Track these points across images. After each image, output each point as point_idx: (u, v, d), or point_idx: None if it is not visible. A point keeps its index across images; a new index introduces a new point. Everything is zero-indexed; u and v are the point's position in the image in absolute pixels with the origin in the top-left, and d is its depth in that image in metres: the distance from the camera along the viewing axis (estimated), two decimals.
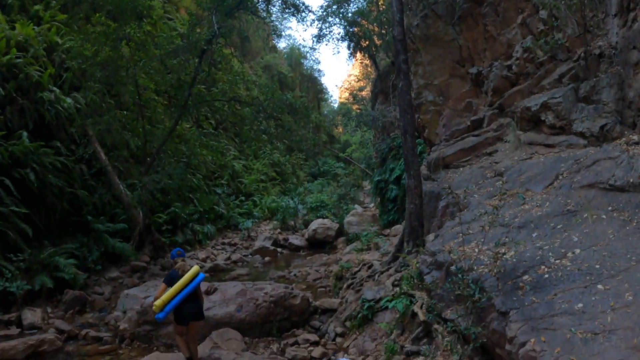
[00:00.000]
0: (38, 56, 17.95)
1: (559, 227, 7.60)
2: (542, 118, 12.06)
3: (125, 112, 19.73)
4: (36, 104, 16.69)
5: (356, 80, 64.74)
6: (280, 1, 20.53)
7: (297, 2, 20.71)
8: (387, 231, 18.03)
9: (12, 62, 16.13)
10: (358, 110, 46.89)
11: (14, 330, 11.34)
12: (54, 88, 17.84)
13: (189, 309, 7.70)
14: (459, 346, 6.96)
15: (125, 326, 10.76)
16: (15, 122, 15.84)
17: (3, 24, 17.03)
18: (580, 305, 5.60)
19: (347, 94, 77.09)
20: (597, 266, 6.15)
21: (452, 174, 13.77)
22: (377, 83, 30.28)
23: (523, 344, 5.53)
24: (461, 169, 13.85)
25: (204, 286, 10.94)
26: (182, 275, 7.73)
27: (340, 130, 70.42)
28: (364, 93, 58.22)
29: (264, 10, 21.21)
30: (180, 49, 18.22)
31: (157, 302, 7.40)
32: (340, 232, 23.28)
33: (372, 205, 26.16)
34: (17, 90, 16.13)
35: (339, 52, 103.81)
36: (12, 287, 12.13)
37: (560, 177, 9.56)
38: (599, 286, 5.78)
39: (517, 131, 12.87)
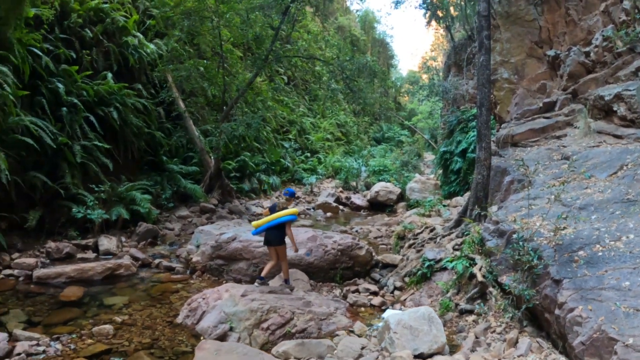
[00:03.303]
0: (123, 2, 18.76)
1: (617, 212, 7.90)
2: (614, 109, 12.11)
3: (205, 61, 20.34)
4: (121, 47, 17.52)
5: (430, 50, 64.19)
6: None
7: None
8: (448, 202, 18.19)
9: (100, 6, 16.88)
10: (427, 80, 46.49)
11: (90, 255, 12.27)
12: (138, 34, 18.68)
13: (268, 234, 9.28)
14: (510, 308, 7.44)
15: (198, 259, 11.55)
16: (101, 63, 16.70)
17: None
18: (627, 283, 5.98)
19: (416, 63, 76.14)
20: None
21: (520, 152, 13.90)
22: (451, 55, 30.08)
23: (571, 310, 5.98)
24: (529, 148, 13.96)
25: None
26: (278, 210, 9.37)
27: (407, 98, 69.89)
28: (434, 63, 57.62)
29: None
30: (265, 3, 18.58)
31: (254, 223, 9.54)
32: (402, 197, 23.49)
33: (432, 175, 26.23)
34: (103, 33, 16.91)
35: (415, 20, 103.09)
36: (93, 214, 13.03)
37: (625, 167, 9.77)
38: None
39: (587, 118, 12.91)
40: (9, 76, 11.59)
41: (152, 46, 19.11)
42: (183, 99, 20.44)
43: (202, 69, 19.68)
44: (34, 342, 7.02)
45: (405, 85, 69.53)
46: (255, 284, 9.25)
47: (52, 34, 14.83)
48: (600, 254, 6.77)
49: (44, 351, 6.85)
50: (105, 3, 17.29)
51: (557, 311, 6.28)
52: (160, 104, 19.66)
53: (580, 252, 6.93)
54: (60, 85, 13.84)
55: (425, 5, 29.45)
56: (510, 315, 7.37)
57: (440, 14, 30.22)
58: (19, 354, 6.63)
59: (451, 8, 29.66)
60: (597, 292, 6.03)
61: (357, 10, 68.22)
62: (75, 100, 14.23)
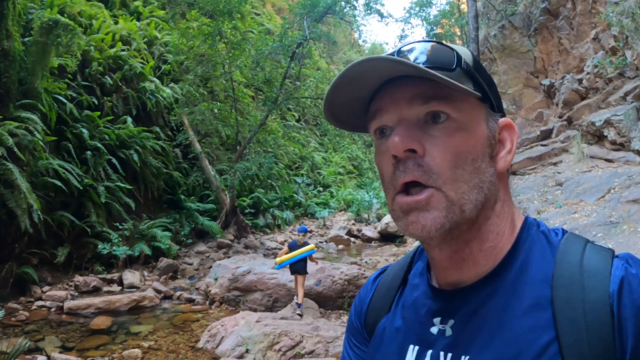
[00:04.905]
0: (140, 49, 19.91)
1: (599, 235, 8.52)
2: (605, 134, 12.46)
3: (218, 103, 21.19)
4: (139, 92, 18.59)
5: None
6: (365, 8, 21.54)
7: (380, 10, 21.81)
8: None
9: (118, 54, 18.04)
10: None
11: (116, 288, 13.10)
12: (155, 79, 19.71)
13: (295, 266, 10.61)
14: None
15: (216, 291, 12.27)
16: (121, 108, 17.72)
17: (109, 20, 18.92)
18: None
19: None
20: None
21: (518, 181, 14.35)
22: None
23: None
24: (527, 176, 14.37)
25: None
26: (300, 246, 10.87)
27: None
28: None
29: (350, 16, 22.18)
30: (273, 50, 19.51)
31: (278, 259, 10.83)
32: None
33: None
34: (122, 80, 18.02)
35: None
36: (118, 251, 13.88)
37: (612, 191, 10.26)
38: None
39: (581, 144, 13.31)
40: (38, 123, 12.56)
41: (168, 90, 20.13)
42: (199, 140, 21.31)
43: (215, 110, 20.55)
44: None
45: None
46: (297, 310, 10.54)
47: (75, 82, 15.83)
48: None
49: None
50: (123, 51, 18.37)
51: None
52: (178, 146, 20.61)
53: None
54: (84, 130, 14.83)
55: (429, 37, 30.19)
56: None
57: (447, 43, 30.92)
58: None
59: (456, 38, 30.36)
60: None
61: (364, 41, 69.12)
62: (99, 144, 15.24)
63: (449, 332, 0.97)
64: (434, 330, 1.00)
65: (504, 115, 1.02)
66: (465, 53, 0.97)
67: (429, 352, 0.99)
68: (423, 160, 0.90)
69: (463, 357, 0.93)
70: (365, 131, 1.04)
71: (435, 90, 0.90)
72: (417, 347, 1.02)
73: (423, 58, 0.92)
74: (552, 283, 0.89)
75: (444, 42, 0.95)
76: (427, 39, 0.96)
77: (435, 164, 0.90)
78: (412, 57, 0.93)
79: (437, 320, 1.01)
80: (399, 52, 0.95)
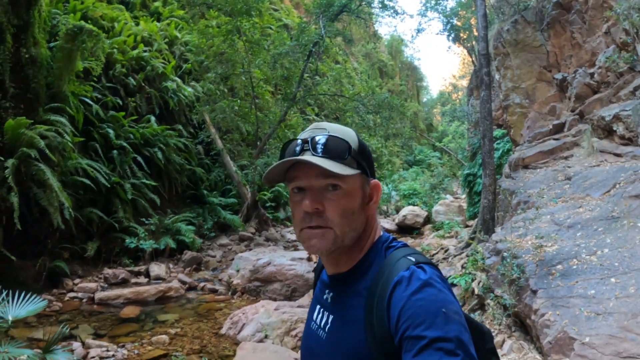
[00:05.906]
0: (161, 49, 20.43)
1: (599, 229, 8.81)
2: (614, 128, 12.46)
3: (239, 100, 21.57)
4: (161, 92, 19.16)
5: (459, 69, 64.04)
6: (380, 5, 21.83)
7: (396, 6, 22.13)
8: (472, 222, 18.72)
9: (140, 55, 18.59)
10: (458, 100, 46.32)
11: (143, 280, 13.77)
12: (176, 78, 20.27)
13: None
14: (501, 316, 8.60)
15: (238, 282, 12.95)
16: (144, 107, 18.36)
17: (130, 22, 19.50)
18: (592, 292, 6.98)
19: (447, 82, 75.90)
20: (616, 264, 7.44)
21: (529, 175, 14.52)
22: (473, 78, 30.41)
23: (542, 315, 7.05)
24: (538, 170, 14.48)
25: (305, 253, 13.52)
26: None
27: (439, 118, 69.56)
28: (464, 82, 57.67)
29: (366, 13, 22.44)
30: (291, 49, 19.81)
31: None
32: (428, 219, 24.21)
33: (463, 196, 26.65)
34: (144, 80, 18.59)
35: (436, 45, 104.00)
36: (145, 245, 14.55)
37: (617, 185, 10.40)
38: (612, 279, 7.13)
39: (591, 138, 13.40)
40: (67, 125, 13.18)
41: (189, 89, 20.71)
42: (220, 136, 21.83)
43: (236, 107, 20.92)
44: (104, 349, 8.55)
45: (437, 105, 69.76)
46: None
47: (100, 84, 16.42)
48: (574, 267, 7.71)
49: (113, 355, 8.37)
50: (145, 52, 18.91)
51: (533, 317, 7.33)
52: (200, 142, 21.25)
53: (559, 266, 7.91)
54: (110, 130, 15.48)
55: (446, 29, 30.21)
56: (500, 322, 8.54)
57: (463, 36, 30.90)
58: (93, 357, 8.19)
59: (474, 30, 30.29)
60: (566, 299, 7.03)
61: (384, 34, 68.93)
62: (124, 143, 15.90)
63: (329, 300, 1.67)
64: (325, 297, 1.70)
65: (374, 177, 1.66)
66: (353, 141, 1.58)
67: (322, 310, 1.69)
68: (323, 214, 1.50)
69: (331, 316, 1.63)
70: (283, 182, 1.64)
71: (332, 171, 1.46)
72: (318, 306, 1.73)
73: (322, 149, 1.52)
74: (373, 279, 1.51)
75: (338, 136, 1.55)
76: (328, 133, 1.57)
77: (330, 216, 1.49)
78: (318, 144, 1.53)
79: (326, 292, 1.70)
80: (312, 142, 1.54)
